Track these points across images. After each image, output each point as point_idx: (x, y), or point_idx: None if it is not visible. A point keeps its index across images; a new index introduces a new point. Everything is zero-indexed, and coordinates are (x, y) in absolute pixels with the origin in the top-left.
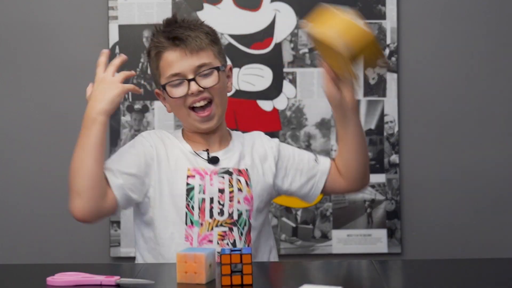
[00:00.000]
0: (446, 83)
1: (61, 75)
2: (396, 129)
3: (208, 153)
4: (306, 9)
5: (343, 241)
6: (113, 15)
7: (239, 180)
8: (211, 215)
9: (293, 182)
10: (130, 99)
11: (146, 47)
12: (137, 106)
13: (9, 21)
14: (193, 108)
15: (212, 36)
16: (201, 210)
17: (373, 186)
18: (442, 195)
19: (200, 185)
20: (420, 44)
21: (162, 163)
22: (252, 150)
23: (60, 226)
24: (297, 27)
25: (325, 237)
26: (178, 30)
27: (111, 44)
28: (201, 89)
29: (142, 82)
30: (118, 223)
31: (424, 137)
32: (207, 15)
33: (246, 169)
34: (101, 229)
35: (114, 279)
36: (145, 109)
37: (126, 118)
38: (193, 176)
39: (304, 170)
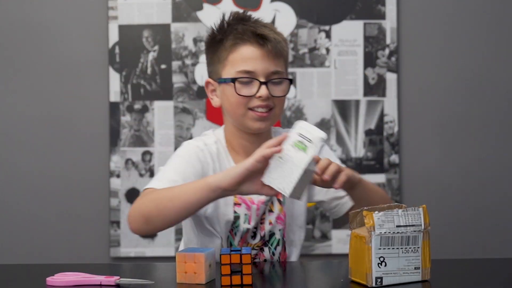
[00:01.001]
0: (446, 83)
1: (61, 74)
2: (396, 129)
3: None
4: (306, 9)
5: (343, 241)
6: (113, 15)
7: (272, 201)
8: (246, 241)
9: (317, 195)
10: (130, 99)
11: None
12: (137, 106)
13: (9, 21)
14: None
15: (287, 45)
16: (243, 238)
17: None
18: (442, 195)
19: (246, 214)
20: (420, 44)
21: None
22: None
23: (60, 226)
24: (297, 27)
25: (325, 237)
26: (263, 29)
27: (111, 44)
28: (270, 95)
29: (142, 82)
30: (118, 223)
31: (424, 137)
32: (207, 15)
33: None
34: (101, 229)
35: (114, 279)
36: (145, 109)
37: (126, 118)
38: (239, 205)
39: (330, 191)
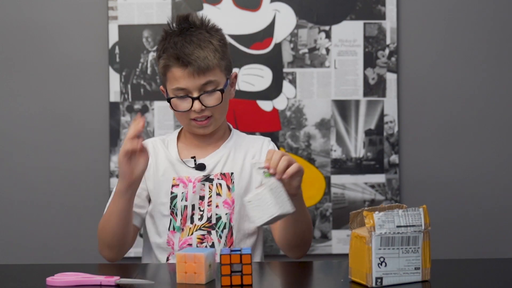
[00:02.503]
0: (446, 83)
1: (61, 74)
2: (396, 129)
3: (195, 160)
4: (306, 9)
5: (343, 241)
6: (112, 15)
7: (220, 185)
8: (192, 221)
9: None
10: (130, 99)
11: (147, 47)
12: (137, 106)
13: (9, 21)
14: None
15: (220, 53)
16: (183, 216)
17: (372, 186)
18: (441, 195)
19: (182, 193)
20: (420, 44)
21: (151, 174)
22: (247, 153)
23: (60, 226)
24: (297, 27)
25: (325, 237)
26: (187, 49)
27: (111, 44)
28: (203, 107)
29: (142, 82)
30: None
31: (424, 137)
32: (207, 15)
33: (232, 173)
34: None
35: (114, 279)
36: (144, 109)
37: (125, 118)
38: (177, 185)
39: None
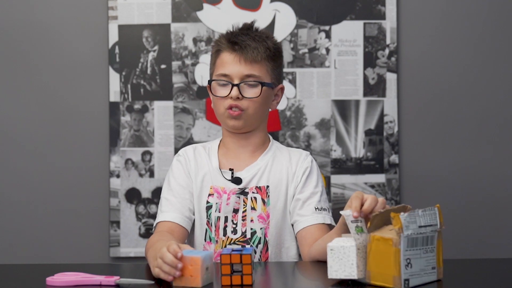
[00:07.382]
0: (445, 83)
1: (61, 74)
2: (396, 129)
3: (232, 173)
4: (306, 9)
5: None
6: (112, 15)
7: (255, 198)
8: (225, 233)
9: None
10: (130, 99)
11: (145, 48)
12: (137, 106)
13: (10, 21)
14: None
15: (271, 52)
16: (216, 228)
17: (372, 186)
18: (441, 195)
19: (216, 203)
20: (420, 44)
21: (192, 179)
22: (283, 166)
23: (60, 226)
24: (297, 27)
25: None
26: (241, 37)
27: (110, 44)
28: (240, 96)
29: (142, 82)
30: (117, 223)
31: (424, 137)
32: (207, 15)
33: (267, 186)
34: (101, 229)
35: (113, 279)
36: (144, 109)
37: (125, 118)
38: (213, 195)
39: (297, 208)
